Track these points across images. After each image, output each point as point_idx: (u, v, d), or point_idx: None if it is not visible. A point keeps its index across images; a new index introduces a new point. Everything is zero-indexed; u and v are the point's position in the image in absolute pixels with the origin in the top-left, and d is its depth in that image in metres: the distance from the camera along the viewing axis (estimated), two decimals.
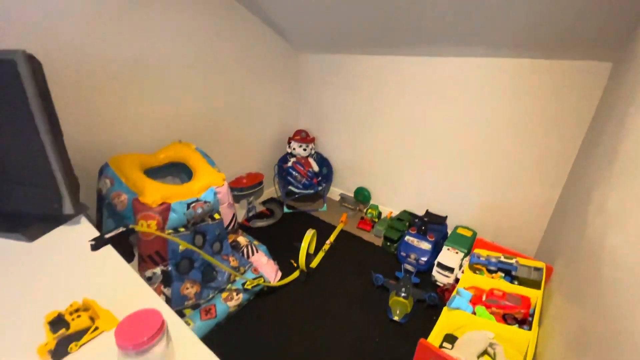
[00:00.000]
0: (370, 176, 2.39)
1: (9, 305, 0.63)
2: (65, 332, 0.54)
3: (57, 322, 0.55)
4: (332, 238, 2.09)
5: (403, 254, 1.84)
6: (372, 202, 2.45)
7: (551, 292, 1.11)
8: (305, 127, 2.59)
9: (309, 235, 1.77)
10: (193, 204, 1.34)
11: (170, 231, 1.27)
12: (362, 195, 2.42)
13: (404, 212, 2.21)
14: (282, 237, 2.09)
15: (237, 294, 1.46)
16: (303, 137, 2.43)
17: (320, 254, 1.94)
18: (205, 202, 1.39)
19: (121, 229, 0.86)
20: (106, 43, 1.38)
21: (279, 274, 1.74)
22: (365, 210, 2.37)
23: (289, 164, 2.38)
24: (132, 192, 1.27)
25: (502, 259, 1.32)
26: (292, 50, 2.33)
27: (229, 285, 1.48)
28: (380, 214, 2.35)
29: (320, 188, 2.41)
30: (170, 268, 1.29)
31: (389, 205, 2.37)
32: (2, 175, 0.88)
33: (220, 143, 2.04)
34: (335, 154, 2.54)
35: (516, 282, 1.21)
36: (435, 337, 0.96)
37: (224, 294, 1.44)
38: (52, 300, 0.63)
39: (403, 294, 1.52)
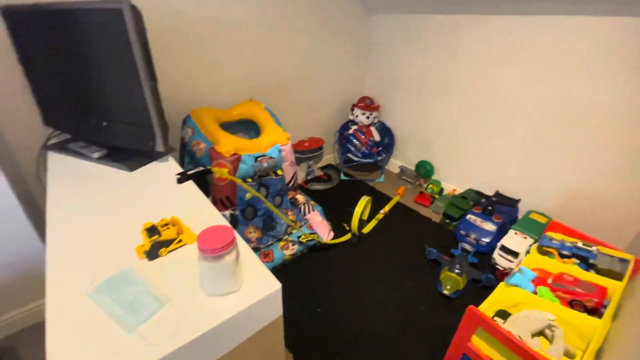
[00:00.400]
0: (435, 150, 2.27)
1: (114, 217, 0.78)
2: (158, 238, 0.65)
3: (152, 231, 0.67)
4: (386, 208, 2.08)
5: (462, 232, 1.76)
6: (434, 177, 2.34)
7: (635, 287, 0.98)
8: (371, 94, 2.53)
9: (364, 200, 1.79)
10: (260, 158, 1.45)
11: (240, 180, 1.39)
12: (424, 169, 2.32)
13: (470, 190, 2.08)
14: (337, 201, 2.15)
15: (292, 245, 1.57)
16: (367, 104, 2.39)
17: (373, 222, 1.95)
18: (271, 157, 1.49)
19: (201, 168, 0.98)
20: (195, 4, 1.49)
21: (332, 234, 1.81)
22: (425, 185, 2.28)
23: (350, 131, 2.38)
24: (209, 142, 1.41)
25: (580, 244, 1.18)
26: (364, 10, 2.23)
27: (286, 236, 1.60)
28: (442, 190, 2.24)
29: (379, 158, 2.38)
30: (237, 213, 1.44)
31: (453, 182, 2.24)
32: (111, 115, 1.05)
33: (287, 105, 2.11)
34: (399, 124, 2.45)
35: (592, 271, 1.09)
36: (486, 309, 0.93)
37: (281, 243, 1.56)
38: (147, 215, 0.76)
39: (457, 270, 1.48)
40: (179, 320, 0.52)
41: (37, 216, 1.28)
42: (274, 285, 0.59)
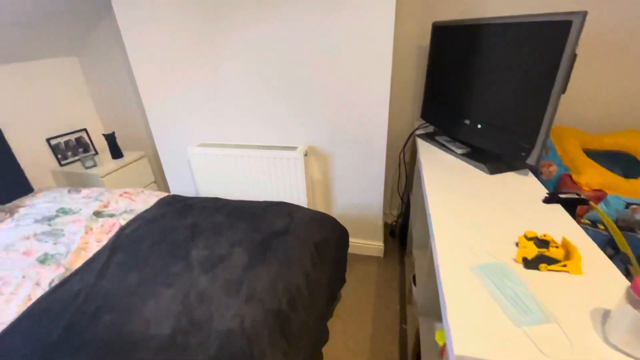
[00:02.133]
0: None
1: (484, 212, 0.84)
2: (545, 252, 0.63)
3: (540, 242, 0.65)
4: None
5: None
6: None
7: None
8: None
9: None
10: (634, 206, 1.10)
11: (589, 222, 1.14)
12: None
13: None
14: None
15: None
16: None
17: None
18: None
19: (575, 195, 0.87)
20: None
21: None
22: None
23: None
24: (565, 167, 1.24)
25: None
26: None
27: None
28: None
29: None
30: None
31: None
32: (490, 119, 1.13)
33: None
34: None
35: None
36: None
37: None
38: (517, 223, 0.77)
39: None
40: (571, 346, 0.48)
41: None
42: None
